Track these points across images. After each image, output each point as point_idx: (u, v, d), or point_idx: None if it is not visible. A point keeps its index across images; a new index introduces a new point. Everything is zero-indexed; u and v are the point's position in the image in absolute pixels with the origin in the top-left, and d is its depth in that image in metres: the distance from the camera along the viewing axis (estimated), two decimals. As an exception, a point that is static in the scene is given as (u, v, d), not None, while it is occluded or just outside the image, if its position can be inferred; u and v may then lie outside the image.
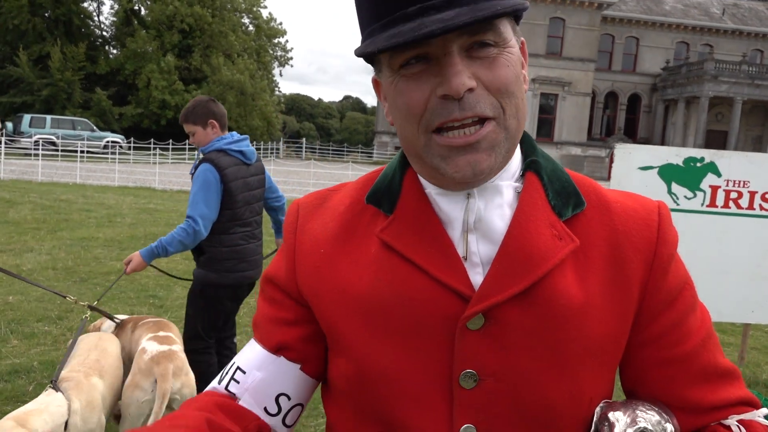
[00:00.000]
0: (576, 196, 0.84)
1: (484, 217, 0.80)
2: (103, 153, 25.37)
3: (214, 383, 0.92)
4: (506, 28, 0.76)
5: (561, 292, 0.77)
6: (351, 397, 0.85)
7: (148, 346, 2.67)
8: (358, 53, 0.76)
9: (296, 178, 20.25)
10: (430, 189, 0.83)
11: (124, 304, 5.54)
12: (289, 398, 0.89)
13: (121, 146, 27.11)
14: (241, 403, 0.88)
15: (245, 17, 46.09)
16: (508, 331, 0.77)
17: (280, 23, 54.10)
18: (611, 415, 0.78)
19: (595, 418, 0.80)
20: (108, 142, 27.35)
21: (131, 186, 16.21)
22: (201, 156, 3.27)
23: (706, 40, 41.44)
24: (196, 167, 3.22)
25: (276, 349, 0.89)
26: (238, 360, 0.92)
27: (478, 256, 0.80)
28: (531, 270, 0.77)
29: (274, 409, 0.88)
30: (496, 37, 0.74)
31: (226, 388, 0.89)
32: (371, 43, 0.74)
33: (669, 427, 0.77)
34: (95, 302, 3.13)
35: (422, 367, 0.79)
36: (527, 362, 0.77)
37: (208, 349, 3.38)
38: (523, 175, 0.84)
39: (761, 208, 4.20)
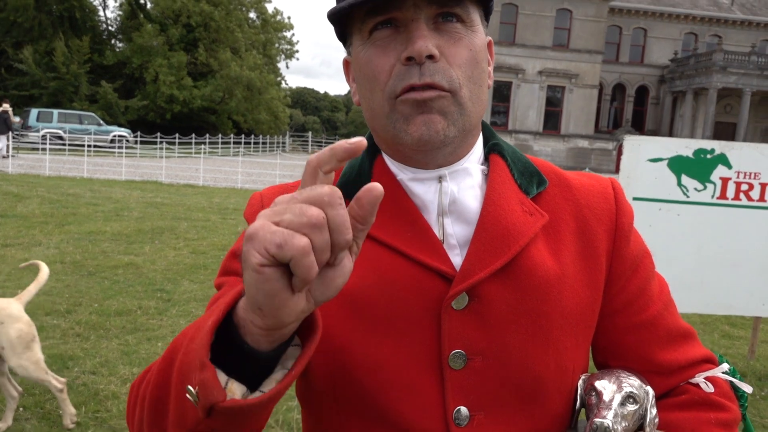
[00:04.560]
0: (538, 175, 0.87)
1: (459, 198, 0.82)
2: (110, 147, 25.39)
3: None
4: (474, 13, 0.80)
5: (538, 265, 0.80)
6: (334, 392, 0.81)
7: None
8: (332, 11, 0.78)
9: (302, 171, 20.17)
10: (402, 175, 0.84)
11: (132, 298, 5.56)
12: None
13: (127, 140, 27.16)
14: None
15: (251, 12, 46.04)
16: (491, 308, 0.78)
17: (289, 17, 53.99)
18: (598, 384, 0.80)
19: (579, 391, 0.82)
20: (115, 136, 27.40)
21: (138, 180, 16.22)
22: None
23: (714, 30, 41.09)
24: None
25: None
26: None
27: (454, 238, 0.81)
28: (508, 246, 0.79)
29: None
30: (463, 13, 0.78)
31: None
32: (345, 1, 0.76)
33: (650, 390, 0.81)
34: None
35: (410, 353, 0.78)
36: (512, 337, 0.78)
37: None
38: (487, 159, 0.88)
39: (772, 200, 4.15)
